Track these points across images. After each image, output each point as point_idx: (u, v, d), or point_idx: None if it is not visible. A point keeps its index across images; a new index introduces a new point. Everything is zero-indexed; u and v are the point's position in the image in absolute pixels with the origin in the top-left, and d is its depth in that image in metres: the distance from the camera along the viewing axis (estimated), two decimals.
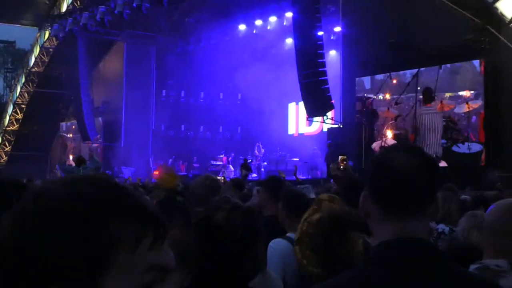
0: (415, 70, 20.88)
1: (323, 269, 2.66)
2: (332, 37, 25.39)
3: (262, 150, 28.28)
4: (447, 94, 20.31)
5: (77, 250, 0.91)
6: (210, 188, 5.43)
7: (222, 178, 21.59)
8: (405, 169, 1.85)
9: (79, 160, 16.59)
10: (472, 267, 2.61)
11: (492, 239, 2.68)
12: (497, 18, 18.28)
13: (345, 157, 18.99)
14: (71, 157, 32.72)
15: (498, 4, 18.21)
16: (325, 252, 2.39)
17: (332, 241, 2.72)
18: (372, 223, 1.92)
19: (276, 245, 4.46)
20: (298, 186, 8.44)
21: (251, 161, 25.41)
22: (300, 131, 29.57)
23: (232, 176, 24.17)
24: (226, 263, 2.47)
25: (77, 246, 0.92)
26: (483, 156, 19.02)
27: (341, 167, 18.06)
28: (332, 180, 16.18)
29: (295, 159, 26.69)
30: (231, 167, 27.43)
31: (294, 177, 17.33)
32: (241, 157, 27.38)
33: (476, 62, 19.34)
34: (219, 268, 2.45)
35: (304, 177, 23.68)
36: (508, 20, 17.99)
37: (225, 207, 2.50)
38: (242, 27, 29.86)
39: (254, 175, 25.53)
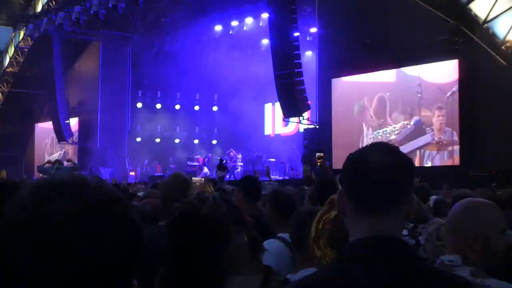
0: (391, 70, 21.11)
1: None
2: (308, 38, 25.40)
3: (239, 156, 28.18)
4: None
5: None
6: (180, 187, 5.41)
7: (202, 178, 21.47)
8: (380, 167, 1.86)
9: (55, 161, 17.58)
10: (436, 263, 2.69)
11: (450, 236, 2.78)
12: (471, 19, 18.44)
13: (322, 155, 19.08)
14: (46, 157, 32.52)
15: (471, 5, 18.38)
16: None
17: None
18: (347, 221, 1.92)
19: (270, 245, 4.43)
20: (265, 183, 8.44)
21: (226, 162, 25.37)
22: (277, 132, 29.63)
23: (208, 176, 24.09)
24: (206, 259, 2.51)
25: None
26: (458, 155, 19.21)
27: (318, 164, 18.13)
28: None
29: (271, 159, 26.74)
30: (206, 169, 27.33)
31: (267, 177, 17.31)
32: (217, 157, 27.34)
33: (451, 62, 19.49)
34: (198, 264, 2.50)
35: (280, 178, 23.74)
36: (482, 20, 18.15)
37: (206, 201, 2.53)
38: (218, 27, 29.83)
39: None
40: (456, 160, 19.24)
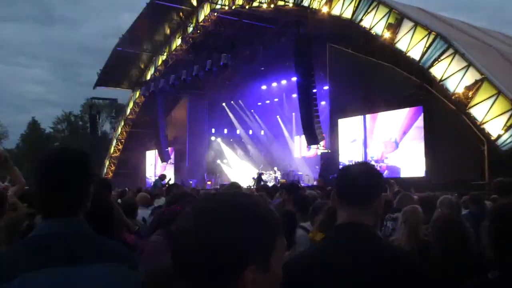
0: (375, 114, 20.84)
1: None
2: (322, 91, 25.35)
3: (278, 172, 28.00)
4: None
5: (269, 242, 1.03)
6: (233, 187, 5.37)
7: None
8: (355, 175, 1.85)
9: (161, 176, 17.29)
10: None
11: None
12: (431, 78, 18.30)
13: (335, 175, 18.93)
14: (149, 172, 32.91)
15: (431, 69, 18.25)
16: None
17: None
18: (337, 211, 1.91)
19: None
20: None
21: (262, 173, 25.53)
22: (302, 155, 29.42)
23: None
24: None
25: (270, 240, 1.03)
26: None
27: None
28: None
29: (300, 173, 26.64)
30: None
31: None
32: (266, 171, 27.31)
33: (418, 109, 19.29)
34: None
35: (305, 185, 23.58)
36: (438, 79, 17.99)
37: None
38: (263, 87, 30.07)
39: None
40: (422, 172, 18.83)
